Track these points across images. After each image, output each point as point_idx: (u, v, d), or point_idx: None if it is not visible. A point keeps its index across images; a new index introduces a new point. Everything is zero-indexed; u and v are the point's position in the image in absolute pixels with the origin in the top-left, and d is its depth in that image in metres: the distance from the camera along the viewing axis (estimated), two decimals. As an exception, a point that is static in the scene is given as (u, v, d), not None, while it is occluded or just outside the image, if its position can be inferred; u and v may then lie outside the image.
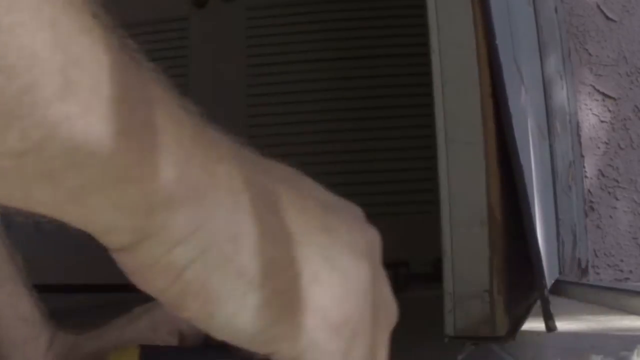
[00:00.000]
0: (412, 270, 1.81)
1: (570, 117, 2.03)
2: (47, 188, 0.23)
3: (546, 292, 0.90)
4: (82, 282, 1.90)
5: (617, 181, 2.11)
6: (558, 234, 1.61)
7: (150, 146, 0.24)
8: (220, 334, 0.28)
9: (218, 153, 0.27)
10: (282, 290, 0.28)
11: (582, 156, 2.11)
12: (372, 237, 0.32)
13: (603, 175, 2.11)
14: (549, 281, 1.21)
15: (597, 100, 2.14)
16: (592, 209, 2.11)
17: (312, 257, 0.29)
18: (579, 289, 1.42)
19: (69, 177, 0.23)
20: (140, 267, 0.26)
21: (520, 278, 1.01)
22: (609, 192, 2.11)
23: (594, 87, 2.14)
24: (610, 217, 2.10)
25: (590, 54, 2.15)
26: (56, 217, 0.24)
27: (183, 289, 0.27)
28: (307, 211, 0.30)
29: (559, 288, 1.43)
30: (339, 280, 0.30)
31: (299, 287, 0.29)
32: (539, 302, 0.91)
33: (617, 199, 2.10)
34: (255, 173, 0.29)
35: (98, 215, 0.25)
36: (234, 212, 0.27)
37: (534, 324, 0.96)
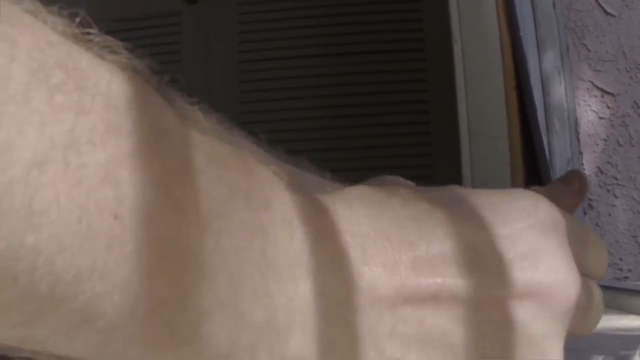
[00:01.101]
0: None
1: (568, 114, 2.03)
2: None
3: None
4: None
5: (616, 179, 2.11)
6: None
7: None
8: None
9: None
10: None
11: (581, 153, 2.11)
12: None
13: (602, 173, 2.12)
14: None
15: (595, 97, 2.14)
16: (591, 206, 2.11)
17: None
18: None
19: None
20: None
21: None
22: (608, 190, 2.11)
23: (592, 83, 2.14)
24: (609, 215, 2.10)
25: (588, 50, 2.15)
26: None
27: None
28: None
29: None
30: None
31: None
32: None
33: (616, 197, 2.10)
34: None
35: None
36: None
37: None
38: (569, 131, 2.03)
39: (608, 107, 2.13)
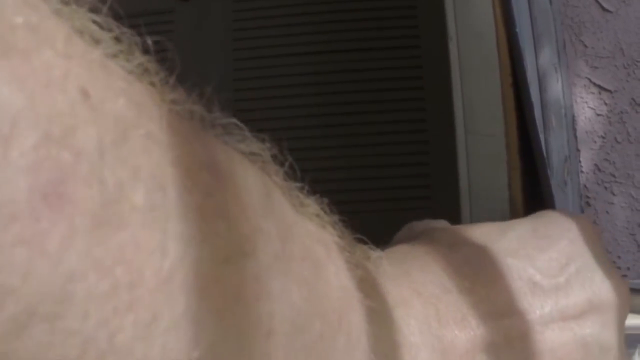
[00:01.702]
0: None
1: (565, 111, 2.04)
2: None
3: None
4: None
5: (613, 176, 2.11)
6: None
7: None
8: None
9: None
10: None
11: (578, 150, 2.11)
12: None
13: (599, 170, 2.12)
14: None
15: (593, 93, 2.14)
16: (589, 204, 2.11)
17: None
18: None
19: None
20: None
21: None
22: (606, 187, 2.11)
23: (589, 79, 2.15)
24: (607, 212, 2.10)
25: (585, 46, 2.16)
26: None
27: None
28: None
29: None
30: None
31: None
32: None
33: (613, 194, 2.10)
34: None
35: None
36: None
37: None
38: (566, 128, 2.03)
39: (605, 103, 2.13)
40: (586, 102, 2.13)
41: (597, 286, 0.33)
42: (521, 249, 0.32)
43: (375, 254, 0.31)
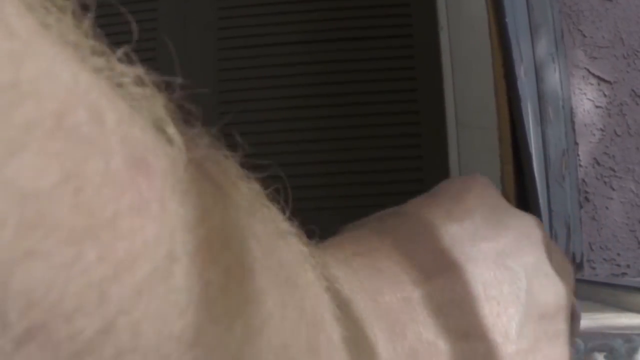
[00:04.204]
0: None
1: (563, 103, 2.04)
2: None
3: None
4: None
5: (613, 170, 2.12)
6: (551, 226, 1.61)
7: None
8: None
9: None
10: None
11: (576, 144, 2.12)
12: None
13: (598, 164, 2.12)
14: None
15: (591, 84, 2.15)
16: (587, 199, 2.12)
17: None
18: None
19: None
20: None
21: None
22: (605, 182, 2.12)
23: (588, 70, 2.15)
24: (606, 208, 2.11)
25: (584, 35, 2.16)
26: None
27: None
28: None
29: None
30: None
31: None
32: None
33: (613, 189, 2.11)
34: None
35: None
36: None
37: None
38: (564, 121, 2.04)
39: (605, 95, 2.14)
40: (585, 94, 2.14)
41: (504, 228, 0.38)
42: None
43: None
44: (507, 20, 0.88)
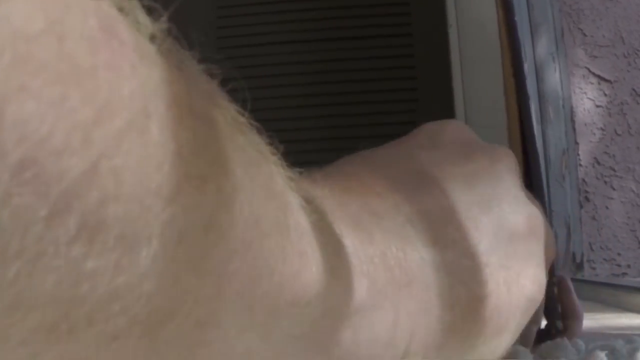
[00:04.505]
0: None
1: (563, 102, 2.04)
2: None
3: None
4: None
5: (613, 170, 2.12)
6: (551, 226, 1.61)
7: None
8: None
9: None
10: None
11: (577, 143, 2.12)
12: None
13: (599, 164, 2.13)
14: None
15: (592, 84, 2.15)
16: (587, 199, 2.12)
17: None
18: (574, 285, 1.43)
19: None
20: None
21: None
22: (605, 182, 2.12)
23: (588, 69, 2.15)
24: (607, 208, 2.11)
25: (584, 34, 2.16)
26: None
27: None
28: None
29: (552, 284, 1.43)
30: None
31: None
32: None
33: (613, 189, 2.11)
34: None
35: None
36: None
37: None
38: (564, 120, 2.04)
39: (605, 94, 2.14)
40: (585, 93, 2.14)
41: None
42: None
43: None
44: (515, 19, 0.89)
